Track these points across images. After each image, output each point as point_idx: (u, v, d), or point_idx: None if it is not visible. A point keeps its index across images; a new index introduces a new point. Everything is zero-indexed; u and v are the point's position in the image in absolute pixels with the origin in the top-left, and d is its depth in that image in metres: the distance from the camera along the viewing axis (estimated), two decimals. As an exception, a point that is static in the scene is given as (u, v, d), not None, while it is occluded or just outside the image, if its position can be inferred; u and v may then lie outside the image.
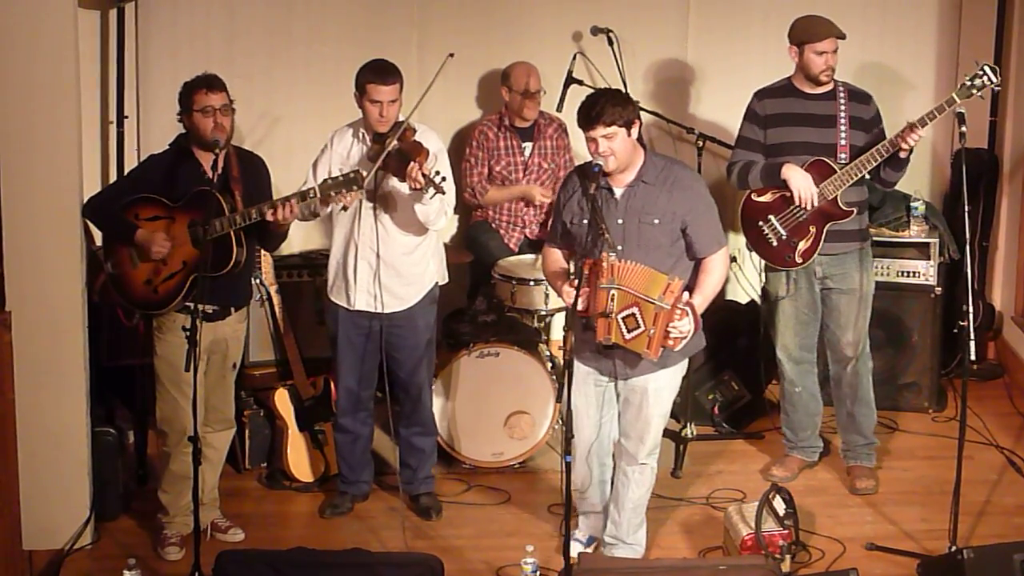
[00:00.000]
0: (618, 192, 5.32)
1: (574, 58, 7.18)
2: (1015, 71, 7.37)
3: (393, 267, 5.84)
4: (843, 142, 6.02)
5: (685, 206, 5.29)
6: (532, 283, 6.60)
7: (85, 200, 5.65)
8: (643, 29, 7.33)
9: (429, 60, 7.12)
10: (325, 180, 5.57)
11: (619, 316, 5.20)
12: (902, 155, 5.90)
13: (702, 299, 5.32)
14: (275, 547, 5.54)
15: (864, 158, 5.94)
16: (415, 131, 5.70)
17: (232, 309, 5.73)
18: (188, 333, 5.17)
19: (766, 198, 6.12)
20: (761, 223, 6.15)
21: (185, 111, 5.56)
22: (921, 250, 6.97)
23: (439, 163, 5.70)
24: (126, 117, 6.82)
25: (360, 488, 6.18)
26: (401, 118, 5.72)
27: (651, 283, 5.16)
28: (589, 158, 5.30)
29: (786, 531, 5.58)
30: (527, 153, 7.07)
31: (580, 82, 7.08)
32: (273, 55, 7.13)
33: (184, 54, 6.90)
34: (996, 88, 5.82)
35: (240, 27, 7.07)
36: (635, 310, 5.18)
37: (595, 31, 7.23)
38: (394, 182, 5.70)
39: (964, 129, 5.62)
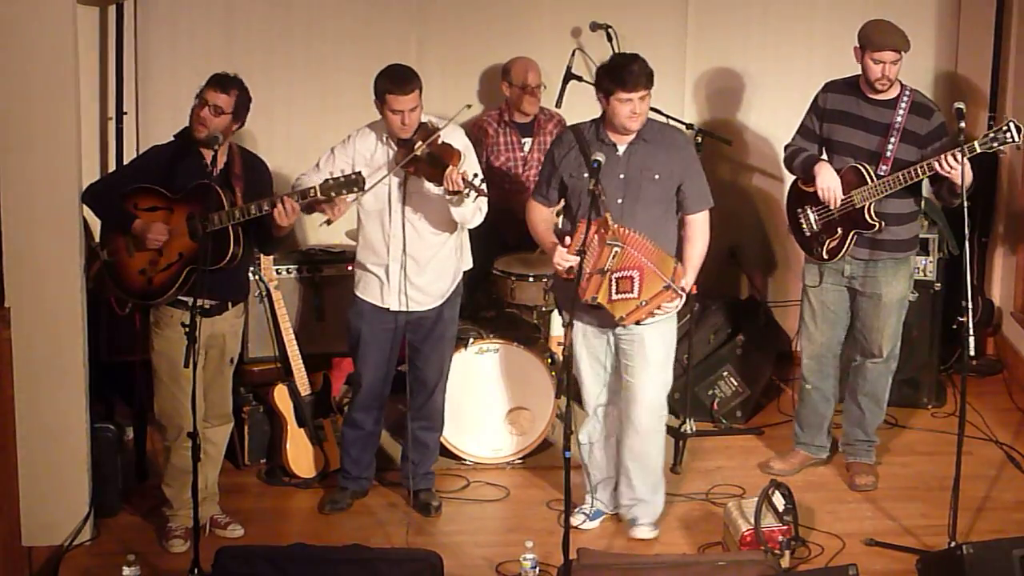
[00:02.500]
0: (621, 148, 5.54)
1: (573, 54, 7.17)
2: (1014, 71, 7.36)
3: (423, 267, 5.84)
4: (888, 153, 5.97)
5: (682, 164, 5.57)
6: (531, 279, 6.59)
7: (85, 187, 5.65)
8: (642, 25, 7.31)
9: (429, 57, 7.12)
10: (326, 180, 5.54)
11: (615, 275, 5.37)
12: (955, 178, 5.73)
13: (693, 273, 5.60)
14: (274, 543, 5.54)
15: (892, 178, 5.91)
16: (439, 131, 5.68)
17: (229, 304, 5.72)
18: (187, 329, 5.17)
19: (809, 188, 6.14)
20: (799, 210, 6.22)
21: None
22: (921, 245, 6.96)
23: (467, 160, 5.69)
24: (125, 113, 6.81)
25: (361, 484, 6.18)
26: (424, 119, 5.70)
27: (662, 261, 5.42)
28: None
29: (785, 527, 5.59)
30: (527, 148, 7.06)
31: (579, 78, 7.07)
32: (272, 52, 7.11)
33: (183, 51, 6.89)
34: (1017, 147, 5.78)
35: (239, 24, 7.06)
36: (635, 274, 5.38)
37: (594, 27, 7.22)
38: (428, 185, 5.66)
39: (963, 125, 5.64)
